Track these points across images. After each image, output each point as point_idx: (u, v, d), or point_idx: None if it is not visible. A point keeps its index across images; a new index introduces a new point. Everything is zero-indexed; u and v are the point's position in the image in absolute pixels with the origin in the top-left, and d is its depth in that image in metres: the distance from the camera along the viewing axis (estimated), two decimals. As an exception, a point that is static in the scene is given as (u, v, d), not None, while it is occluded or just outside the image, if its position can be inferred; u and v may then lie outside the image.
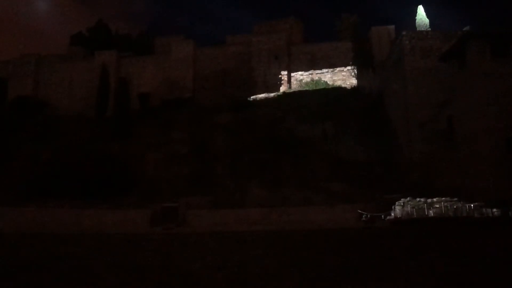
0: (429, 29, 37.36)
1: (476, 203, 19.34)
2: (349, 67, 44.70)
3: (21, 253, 13.40)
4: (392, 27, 45.11)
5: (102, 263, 10.26)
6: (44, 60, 55.60)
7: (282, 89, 43.92)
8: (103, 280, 7.93)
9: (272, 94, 43.43)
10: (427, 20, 40.17)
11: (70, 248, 14.76)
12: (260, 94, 44.11)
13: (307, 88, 43.70)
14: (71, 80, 53.42)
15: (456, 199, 20.57)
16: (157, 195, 32.06)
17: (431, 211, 20.04)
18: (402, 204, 21.70)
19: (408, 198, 22.05)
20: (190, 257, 11.08)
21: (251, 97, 43.85)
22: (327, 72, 45.07)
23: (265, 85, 44.52)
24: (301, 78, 45.41)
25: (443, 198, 20.64)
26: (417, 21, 40.51)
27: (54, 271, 8.93)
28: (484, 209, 18.95)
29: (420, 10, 40.68)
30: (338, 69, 45.02)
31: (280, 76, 44.89)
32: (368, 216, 23.83)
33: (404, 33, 31.95)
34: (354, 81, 43.90)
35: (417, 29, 37.97)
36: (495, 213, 18.53)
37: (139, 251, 13.63)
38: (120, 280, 7.89)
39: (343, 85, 43.42)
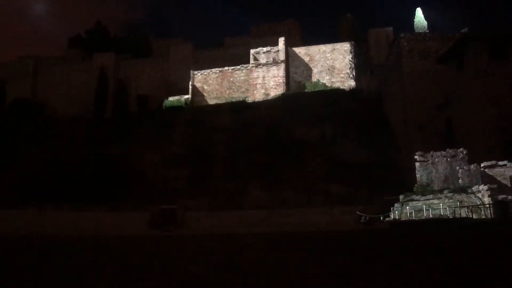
0: (427, 31, 37.43)
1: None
2: (347, 69, 44.77)
3: (19, 255, 13.35)
4: (390, 29, 45.23)
5: (101, 266, 10.24)
6: (42, 62, 55.59)
7: (281, 91, 43.90)
8: (101, 283, 7.91)
9: (270, 96, 43.41)
10: (425, 23, 40.18)
11: (69, 251, 14.73)
12: (258, 96, 44.13)
13: (306, 90, 43.72)
14: (70, 82, 53.41)
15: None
16: (156, 197, 32.00)
17: (429, 212, 20.06)
18: (401, 205, 21.70)
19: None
20: (189, 260, 11.06)
21: (250, 99, 43.88)
22: (326, 74, 45.10)
23: (264, 87, 44.56)
24: (299, 80, 45.43)
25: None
26: (415, 23, 40.51)
27: (53, 274, 8.90)
28: (482, 210, 18.97)
29: (419, 12, 40.69)
30: (336, 70, 45.06)
31: (278, 78, 44.88)
32: (367, 218, 23.82)
33: (402, 35, 32.06)
34: (352, 83, 43.93)
35: (416, 31, 37.99)
36: (494, 215, 18.54)
37: (138, 253, 13.62)
38: (118, 283, 7.87)
39: (341, 87, 43.43)
